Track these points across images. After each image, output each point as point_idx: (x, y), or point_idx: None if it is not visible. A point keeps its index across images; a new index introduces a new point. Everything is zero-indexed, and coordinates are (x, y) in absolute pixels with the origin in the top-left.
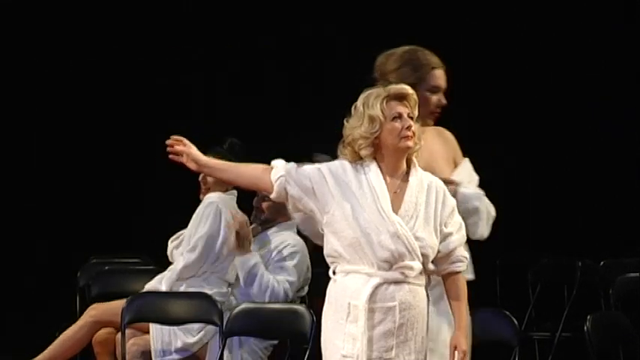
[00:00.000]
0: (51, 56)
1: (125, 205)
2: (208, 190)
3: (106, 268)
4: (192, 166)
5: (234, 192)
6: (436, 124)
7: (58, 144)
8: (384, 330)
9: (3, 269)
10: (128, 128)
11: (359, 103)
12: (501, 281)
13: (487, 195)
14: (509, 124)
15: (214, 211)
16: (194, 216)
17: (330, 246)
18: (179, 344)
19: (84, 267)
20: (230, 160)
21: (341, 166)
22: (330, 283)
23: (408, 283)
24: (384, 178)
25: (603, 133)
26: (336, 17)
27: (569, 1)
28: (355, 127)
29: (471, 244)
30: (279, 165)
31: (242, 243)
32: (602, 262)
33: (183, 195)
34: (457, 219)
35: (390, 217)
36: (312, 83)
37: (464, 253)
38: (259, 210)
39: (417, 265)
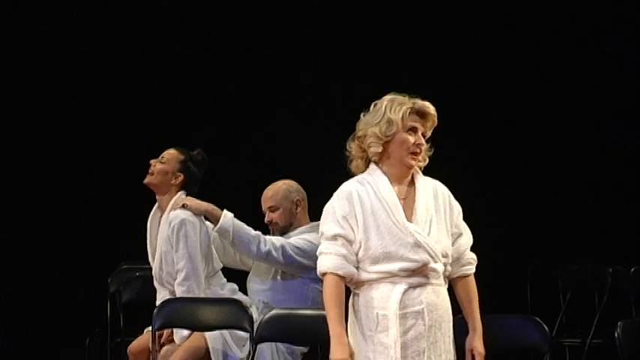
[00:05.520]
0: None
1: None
2: (151, 177)
3: (137, 274)
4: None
5: (182, 192)
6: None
7: (89, 151)
8: (415, 334)
9: (35, 275)
10: (157, 136)
11: (382, 103)
12: (532, 288)
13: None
14: (538, 132)
15: (189, 227)
16: (166, 236)
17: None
18: (235, 357)
19: (115, 273)
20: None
21: (350, 192)
22: (352, 297)
23: (431, 284)
24: (392, 187)
25: (632, 140)
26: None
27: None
28: (371, 124)
29: (503, 251)
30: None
31: (212, 215)
32: (632, 269)
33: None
34: (463, 222)
35: (407, 228)
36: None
37: (472, 255)
38: (273, 223)
39: (440, 267)
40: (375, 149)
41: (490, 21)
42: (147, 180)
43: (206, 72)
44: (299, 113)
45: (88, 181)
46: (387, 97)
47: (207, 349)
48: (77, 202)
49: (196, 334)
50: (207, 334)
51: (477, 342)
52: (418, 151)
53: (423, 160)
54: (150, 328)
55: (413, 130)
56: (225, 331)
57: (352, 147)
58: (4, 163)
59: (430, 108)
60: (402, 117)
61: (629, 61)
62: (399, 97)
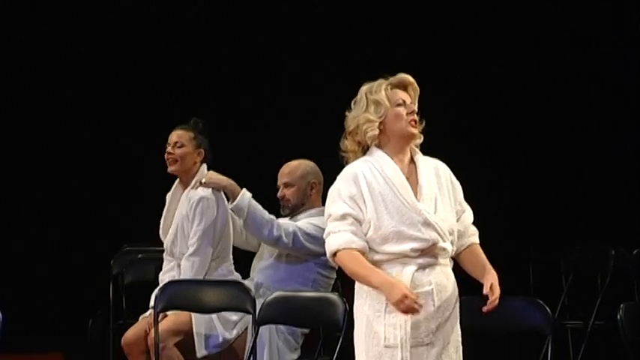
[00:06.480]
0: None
1: (159, 193)
2: (177, 164)
3: (139, 256)
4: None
5: (204, 166)
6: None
7: (93, 135)
8: (425, 314)
9: (37, 258)
10: (163, 121)
11: (361, 94)
12: (534, 270)
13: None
14: (537, 117)
15: (208, 205)
16: (185, 212)
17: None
18: (220, 339)
19: (117, 255)
20: (199, 137)
21: (356, 173)
22: None
23: (440, 264)
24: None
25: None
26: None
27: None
28: (358, 114)
29: (505, 233)
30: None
31: (231, 192)
32: (635, 251)
33: None
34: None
35: (416, 207)
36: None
37: (474, 227)
38: (285, 199)
39: (449, 247)
40: (373, 132)
41: (492, 21)
42: (173, 168)
43: (208, 71)
44: (306, 106)
45: (91, 164)
46: (363, 87)
47: (192, 330)
48: (81, 185)
49: (185, 313)
50: (194, 317)
51: (494, 277)
52: (414, 118)
53: (419, 136)
54: (145, 314)
55: (402, 102)
56: (213, 314)
57: (347, 144)
58: (8, 147)
59: (408, 77)
60: (386, 94)
61: (630, 60)
62: (375, 82)
